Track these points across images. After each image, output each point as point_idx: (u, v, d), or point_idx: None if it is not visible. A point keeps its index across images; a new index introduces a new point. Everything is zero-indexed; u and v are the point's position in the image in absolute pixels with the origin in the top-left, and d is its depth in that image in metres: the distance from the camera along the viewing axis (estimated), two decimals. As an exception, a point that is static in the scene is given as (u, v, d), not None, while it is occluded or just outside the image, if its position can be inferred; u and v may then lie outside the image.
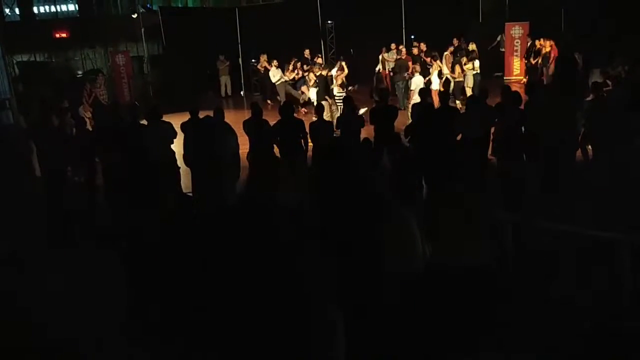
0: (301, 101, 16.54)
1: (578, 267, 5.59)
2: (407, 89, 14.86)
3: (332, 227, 2.51)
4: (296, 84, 17.06)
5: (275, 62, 17.15)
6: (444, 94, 10.36)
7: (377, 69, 18.16)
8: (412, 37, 19.22)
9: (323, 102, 13.25)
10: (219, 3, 28.33)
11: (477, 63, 15.30)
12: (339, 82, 14.55)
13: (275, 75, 17.03)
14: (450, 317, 3.22)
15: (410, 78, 14.57)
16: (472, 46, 16.83)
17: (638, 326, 4.68)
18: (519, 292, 5.25)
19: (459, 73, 15.22)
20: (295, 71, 17.13)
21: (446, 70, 15.37)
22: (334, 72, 15.09)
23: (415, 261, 2.42)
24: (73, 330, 3.53)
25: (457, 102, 14.46)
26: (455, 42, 17.50)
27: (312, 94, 15.50)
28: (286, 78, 17.02)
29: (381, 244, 2.36)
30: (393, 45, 17.88)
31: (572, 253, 5.69)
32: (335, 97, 14.23)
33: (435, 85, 14.51)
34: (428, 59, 16.16)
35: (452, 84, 14.67)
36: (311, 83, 15.54)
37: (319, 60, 17.13)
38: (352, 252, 2.39)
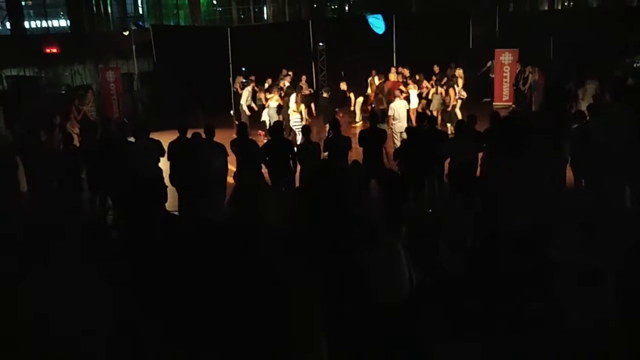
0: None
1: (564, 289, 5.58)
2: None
3: (319, 250, 2.47)
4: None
5: (268, 81, 16.99)
6: (429, 118, 10.22)
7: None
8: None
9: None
10: (211, 22, 28.48)
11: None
12: (297, 108, 14.34)
13: (243, 96, 16.25)
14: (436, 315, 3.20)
15: (389, 103, 13.97)
16: (459, 72, 16.95)
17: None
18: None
19: (453, 97, 15.28)
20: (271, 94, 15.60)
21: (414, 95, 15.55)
22: (292, 97, 14.67)
23: (402, 290, 2.40)
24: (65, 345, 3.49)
25: (448, 125, 14.52)
26: (436, 69, 17.63)
27: (264, 115, 15.13)
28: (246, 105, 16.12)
29: (367, 272, 2.34)
30: (373, 72, 17.89)
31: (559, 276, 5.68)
32: (292, 123, 13.99)
33: (414, 104, 14.73)
34: (410, 84, 16.17)
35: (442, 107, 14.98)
36: (267, 104, 15.13)
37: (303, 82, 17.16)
38: (338, 277, 2.36)
